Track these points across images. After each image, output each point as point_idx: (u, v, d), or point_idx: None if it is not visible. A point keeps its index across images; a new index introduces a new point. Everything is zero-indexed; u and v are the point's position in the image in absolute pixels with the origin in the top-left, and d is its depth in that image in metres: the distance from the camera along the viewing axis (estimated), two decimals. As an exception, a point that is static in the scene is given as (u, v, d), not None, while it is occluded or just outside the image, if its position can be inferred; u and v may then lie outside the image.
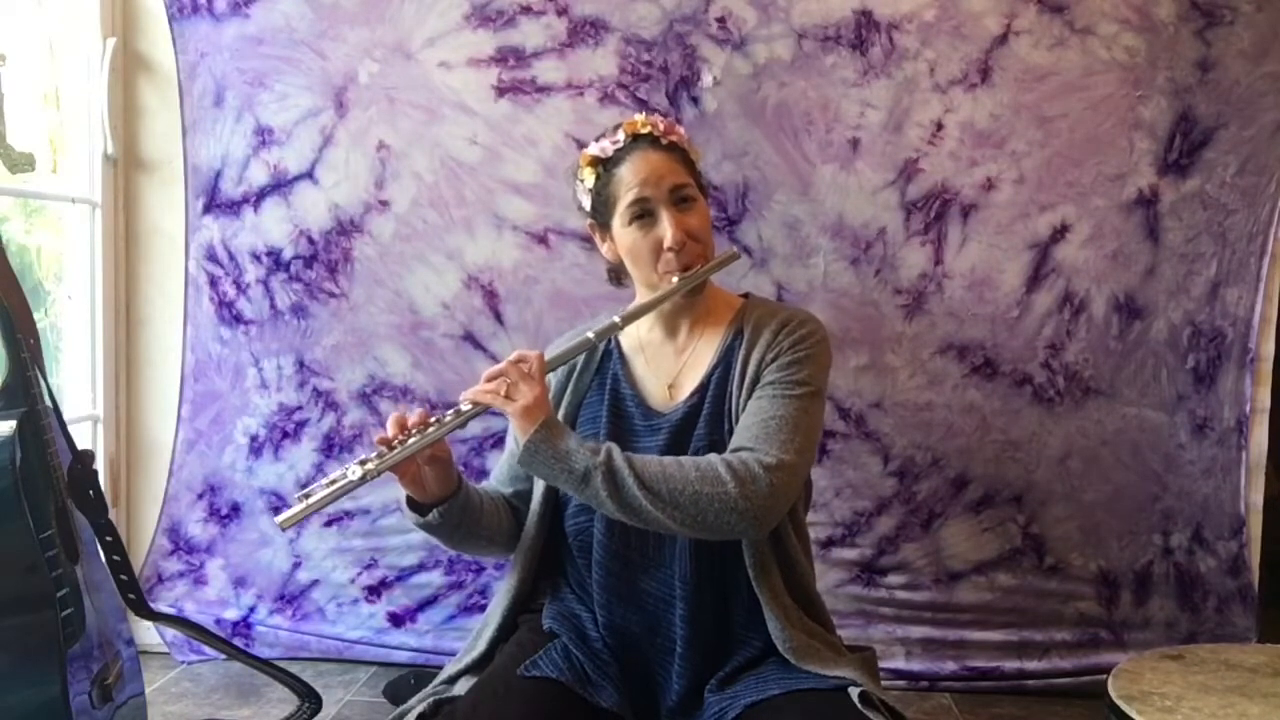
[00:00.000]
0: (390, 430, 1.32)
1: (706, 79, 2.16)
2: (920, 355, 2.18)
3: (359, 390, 2.30)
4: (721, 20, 2.15)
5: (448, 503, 1.41)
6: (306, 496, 1.28)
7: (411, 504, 1.42)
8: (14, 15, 2.31)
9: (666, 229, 1.41)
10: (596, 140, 1.49)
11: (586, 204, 1.51)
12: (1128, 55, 2.10)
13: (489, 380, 1.34)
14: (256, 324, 2.32)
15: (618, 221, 1.45)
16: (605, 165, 1.46)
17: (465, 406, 1.34)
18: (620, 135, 1.46)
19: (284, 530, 1.31)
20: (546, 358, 1.38)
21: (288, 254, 2.30)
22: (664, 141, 1.45)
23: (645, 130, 1.46)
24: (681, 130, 1.51)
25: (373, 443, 1.33)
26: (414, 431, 1.32)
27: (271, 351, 2.32)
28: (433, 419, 1.33)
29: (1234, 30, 2.08)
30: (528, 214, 2.22)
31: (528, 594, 1.51)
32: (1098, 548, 2.20)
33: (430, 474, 1.39)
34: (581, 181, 1.50)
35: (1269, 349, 2.16)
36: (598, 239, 1.53)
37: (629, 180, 1.43)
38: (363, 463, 1.29)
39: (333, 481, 1.29)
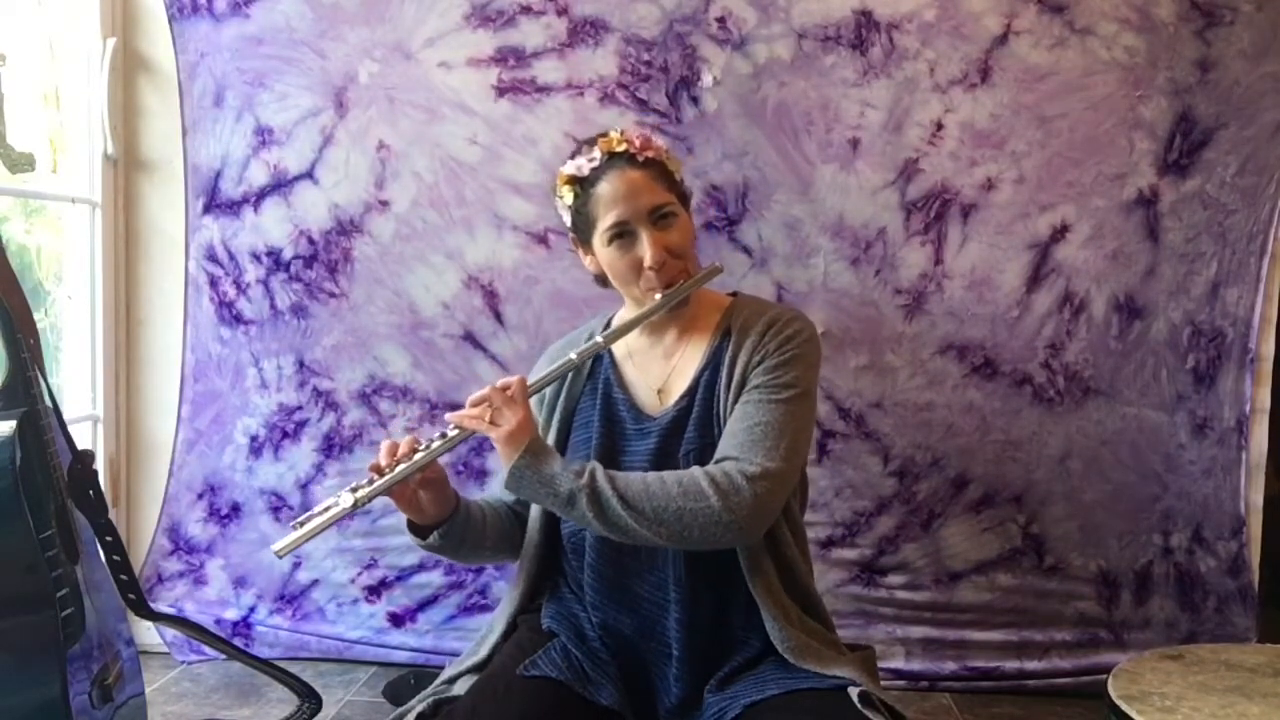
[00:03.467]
0: (383, 459, 1.34)
1: (706, 79, 2.16)
2: (920, 355, 2.18)
3: (359, 390, 2.30)
4: (721, 20, 2.15)
5: (446, 524, 1.42)
6: (301, 525, 1.32)
7: (413, 527, 1.44)
8: (14, 15, 2.31)
9: (646, 249, 1.40)
10: (573, 157, 1.47)
11: (567, 220, 1.50)
12: (1128, 55, 2.10)
13: (474, 405, 1.36)
14: (256, 324, 2.32)
15: (598, 240, 1.45)
16: (582, 184, 1.44)
17: (452, 431, 1.36)
18: (596, 153, 1.43)
19: (280, 558, 1.35)
20: (530, 381, 1.39)
21: (288, 254, 2.30)
22: (640, 158, 1.43)
23: (621, 148, 1.43)
24: (659, 143, 1.47)
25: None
26: (402, 459, 1.34)
27: (271, 351, 2.32)
28: (421, 445, 1.35)
29: (1234, 30, 2.08)
30: (528, 214, 2.22)
31: (531, 598, 1.52)
32: (1098, 548, 2.20)
33: (425, 497, 1.40)
34: (560, 199, 1.49)
35: (1269, 349, 2.16)
36: (580, 253, 1.53)
37: (607, 200, 1.41)
38: (354, 490, 1.33)
39: (326, 509, 1.32)
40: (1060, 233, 2.14)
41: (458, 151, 2.23)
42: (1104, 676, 1.58)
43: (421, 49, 2.22)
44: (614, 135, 1.45)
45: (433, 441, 1.35)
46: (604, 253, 1.45)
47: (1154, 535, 2.19)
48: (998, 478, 2.20)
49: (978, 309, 2.17)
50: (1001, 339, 2.17)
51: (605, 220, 1.42)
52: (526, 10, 2.19)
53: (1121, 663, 1.64)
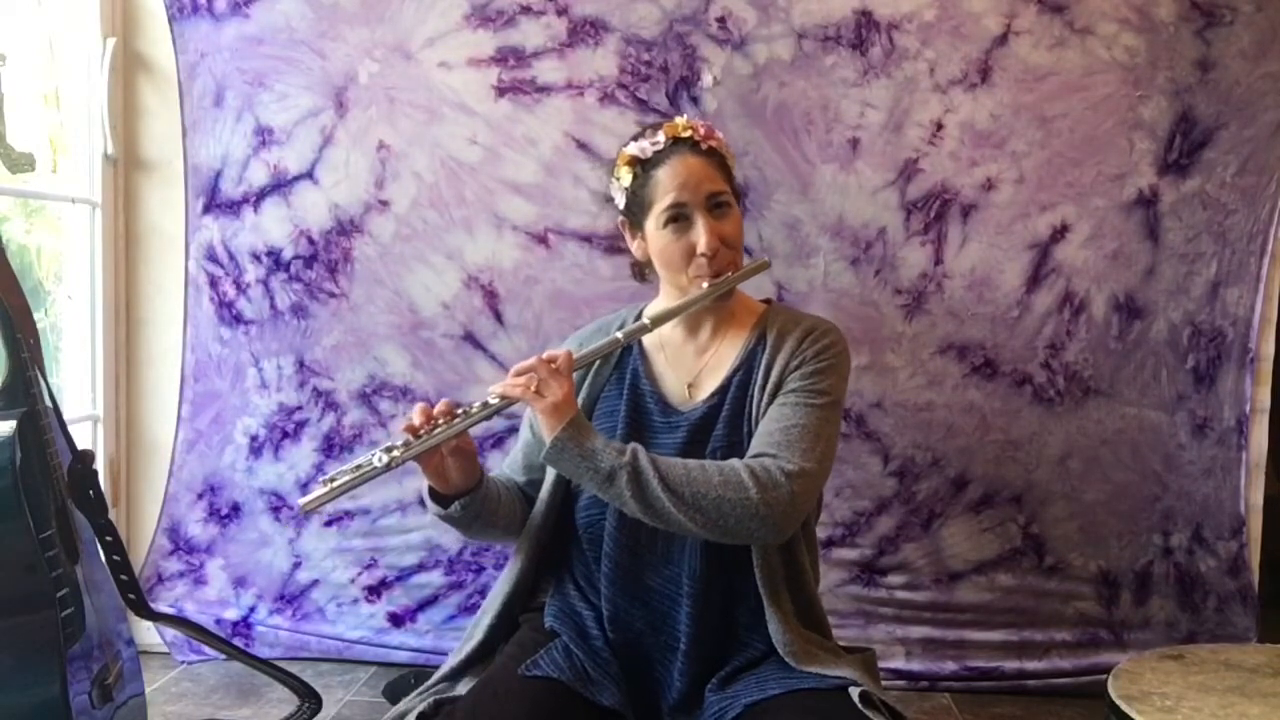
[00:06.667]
0: (416, 419, 1.34)
1: (706, 79, 2.16)
2: (920, 355, 2.19)
3: (359, 390, 2.30)
4: (721, 20, 2.15)
5: (469, 495, 1.42)
6: (330, 480, 1.30)
7: (433, 495, 1.44)
8: (14, 15, 2.31)
9: (701, 235, 1.41)
10: (635, 139, 1.48)
11: (620, 202, 1.51)
12: (1128, 55, 2.11)
13: (518, 375, 1.35)
14: (256, 324, 2.32)
15: (652, 223, 1.45)
16: (643, 166, 1.46)
17: (493, 400, 1.35)
18: (660, 137, 1.45)
19: (305, 514, 1.32)
20: (575, 356, 1.39)
21: (288, 254, 2.30)
22: (704, 146, 1.46)
23: (686, 134, 1.45)
24: (721, 136, 1.50)
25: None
26: (440, 422, 1.34)
27: (271, 351, 2.32)
28: (459, 409, 1.35)
29: (1234, 30, 2.08)
30: (528, 214, 2.22)
31: (529, 583, 1.52)
32: (1098, 548, 2.20)
33: (454, 466, 1.40)
34: (617, 179, 1.50)
35: (1269, 349, 2.16)
36: (628, 236, 1.53)
37: (666, 184, 1.43)
38: (388, 450, 1.31)
39: (357, 467, 1.31)
40: (1060, 233, 2.14)
41: (458, 151, 2.23)
42: (1104, 676, 1.58)
43: (421, 49, 2.22)
44: (679, 121, 1.47)
45: (472, 408, 1.35)
46: (656, 236, 1.45)
47: (1154, 535, 2.20)
48: (998, 478, 2.20)
49: (978, 309, 2.17)
50: (1001, 339, 2.17)
51: (663, 202, 1.43)
52: (526, 10, 2.19)
53: (1121, 663, 1.64)
